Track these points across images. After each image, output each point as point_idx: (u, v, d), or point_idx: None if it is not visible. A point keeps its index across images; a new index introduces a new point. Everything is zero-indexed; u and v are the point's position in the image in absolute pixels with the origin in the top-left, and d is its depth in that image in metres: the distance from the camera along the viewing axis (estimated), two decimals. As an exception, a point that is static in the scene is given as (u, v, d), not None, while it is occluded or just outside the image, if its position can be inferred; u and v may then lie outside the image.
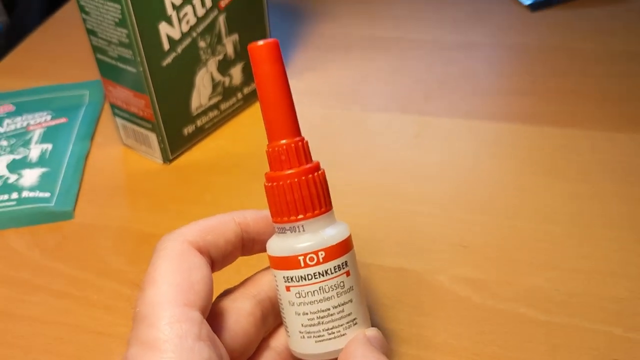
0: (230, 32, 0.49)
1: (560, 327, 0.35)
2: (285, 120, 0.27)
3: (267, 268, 0.30)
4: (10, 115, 0.55)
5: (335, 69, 0.60)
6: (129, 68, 0.44)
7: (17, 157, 0.50)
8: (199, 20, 0.46)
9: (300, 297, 0.26)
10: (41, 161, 0.49)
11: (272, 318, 0.29)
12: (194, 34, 0.46)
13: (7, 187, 0.47)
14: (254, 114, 0.54)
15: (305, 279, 0.26)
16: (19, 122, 0.54)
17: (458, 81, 0.57)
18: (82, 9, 0.43)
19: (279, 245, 0.27)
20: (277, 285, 0.27)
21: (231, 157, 0.50)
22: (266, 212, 0.28)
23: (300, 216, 0.26)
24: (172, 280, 0.24)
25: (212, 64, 0.49)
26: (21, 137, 0.52)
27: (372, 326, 0.27)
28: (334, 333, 0.26)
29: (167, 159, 0.49)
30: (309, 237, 0.26)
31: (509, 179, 0.46)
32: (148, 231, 0.43)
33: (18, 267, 0.41)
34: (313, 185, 0.26)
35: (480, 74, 0.58)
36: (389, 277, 0.39)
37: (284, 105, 0.27)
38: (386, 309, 0.37)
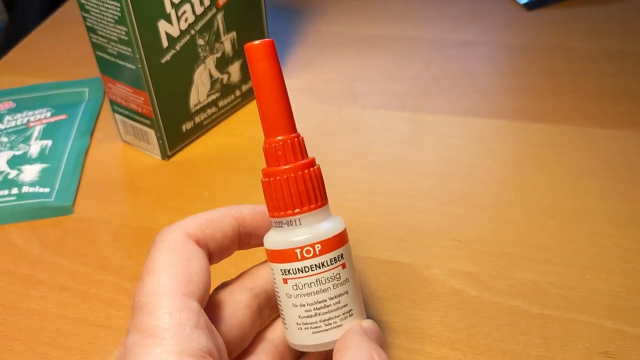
0: (228, 30, 0.50)
1: (553, 320, 0.36)
2: (281, 117, 0.27)
3: (264, 262, 0.30)
4: (10, 111, 0.55)
5: (333, 66, 0.60)
6: (129, 65, 0.44)
7: (18, 153, 0.50)
8: (198, 18, 0.46)
9: (297, 289, 0.27)
10: (41, 157, 0.49)
11: (268, 311, 0.30)
12: (193, 32, 0.46)
13: (8, 183, 0.47)
14: (252, 111, 0.55)
15: (302, 271, 0.26)
16: (19, 118, 0.54)
17: (455, 79, 0.57)
18: (82, 7, 0.44)
19: (275, 238, 0.27)
20: (275, 278, 0.27)
21: (229, 154, 0.50)
22: (263, 207, 0.29)
23: (297, 210, 0.27)
24: (171, 271, 0.25)
25: (210, 62, 0.49)
26: (21, 134, 0.52)
27: (368, 318, 0.28)
28: (330, 324, 0.27)
29: (165, 155, 0.49)
30: (305, 231, 0.27)
31: (505, 175, 0.46)
32: (147, 226, 0.44)
33: (18, 261, 0.42)
34: (309, 180, 0.27)
35: (477, 72, 0.58)
36: (385, 270, 0.39)
37: (280, 102, 0.27)
38: (382, 302, 0.37)
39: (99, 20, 0.43)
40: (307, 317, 0.27)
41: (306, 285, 0.26)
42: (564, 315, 0.36)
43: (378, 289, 0.38)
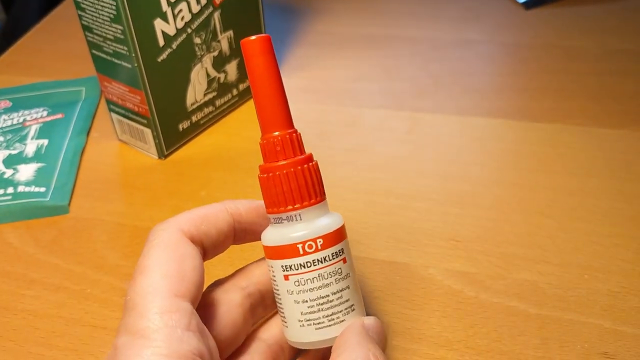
0: (225, 28, 0.49)
1: (552, 321, 0.35)
2: (278, 112, 0.27)
3: (259, 260, 0.30)
4: (7, 111, 0.55)
5: (330, 66, 0.60)
6: (125, 64, 0.44)
7: (13, 152, 0.50)
8: (194, 16, 0.46)
9: (299, 285, 0.26)
10: (37, 156, 0.49)
11: (261, 310, 0.30)
12: (189, 30, 0.46)
13: (3, 182, 0.47)
14: (249, 110, 0.55)
15: (304, 267, 0.26)
16: (16, 117, 0.54)
17: (453, 78, 0.57)
18: (77, 5, 0.44)
19: (275, 235, 0.27)
20: (274, 276, 0.27)
21: (226, 153, 0.50)
22: (258, 202, 0.29)
23: (297, 205, 0.26)
24: (164, 270, 0.24)
25: (207, 60, 0.49)
26: (17, 133, 0.52)
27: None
28: (333, 319, 0.26)
29: (162, 155, 0.49)
30: (306, 226, 0.26)
31: (502, 174, 0.46)
32: (143, 226, 0.43)
33: (13, 261, 0.41)
34: (309, 175, 0.27)
35: (475, 71, 0.58)
36: (382, 270, 0.39)
37: (277, 97, 0.27)
38: (379, 302, 0.37)
39: (94, 18, 0.43)
40: (310, 313, 0.26)
41: (308, 281, 0.26)
42: (563, 315, 0.36)
43: (375, 289, 0.38)
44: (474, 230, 0.41)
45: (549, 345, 0.34)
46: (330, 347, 0.26)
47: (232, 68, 0.52)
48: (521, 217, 0.42)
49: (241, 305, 0.28)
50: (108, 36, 0.43)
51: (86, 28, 0.45)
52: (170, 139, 0.49)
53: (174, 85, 0.47)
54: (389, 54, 0.61)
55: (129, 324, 0.23)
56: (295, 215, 0.27)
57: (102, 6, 0.42)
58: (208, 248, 0.27)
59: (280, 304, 0.27)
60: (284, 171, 0.26)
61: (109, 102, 0.49)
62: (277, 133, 0.27)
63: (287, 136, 0.27)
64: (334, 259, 0.26)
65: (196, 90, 0.49)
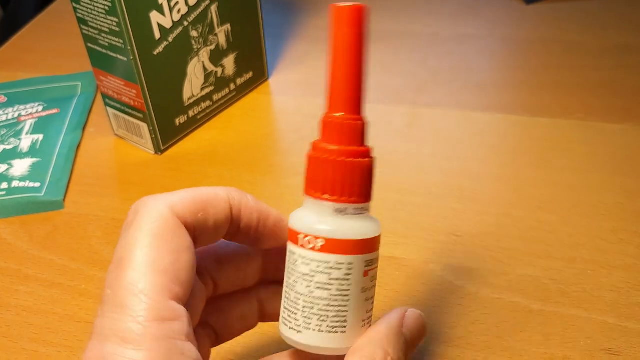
0: (222, 21, 0.49)
1: (554, 317, 0.35)
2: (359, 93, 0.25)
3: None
4: (2, 106, 0.54)
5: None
6: (120, 57, 0.44)
7: (8, 147, 0.49)
8: (191, 9, 0.45)
9: (373, 280, 0.25)
10: (32, 151, 0.49)
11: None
12: (186, 23, 0.46)
13: (-3, 178, 0.46)
14: (247, 105, 0.54)
15: (376, 262, 0.25)
16: (11, 112, 0.53)
17: (452, 73, 0.57)
18: (72, -3, 0.43)
19: (354, 227, 0.24)
20: (348, 274, 0.24)
21: (224, 148, 0.49)
22: (265, 206, 0.26)
23: (369, 199, 0.25)
24: (157, 265, 0.21)
25: (204, 54, 0.48)
26: (12, 128, 0.51)
27: (370, 311, 0.26)
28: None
29: (158, 150, 0.48)
30: (373, 220, 0.25)
31: (503, 169, 0.46)
32: (139, 221, 0.43)
33: (7, 257, 0.41)
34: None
35: (475, 66, 0.58)
36: (382, 266, 0.38)
37: (357, 77, 0.24)
38: (378, 298, 0.36)
39: (89, 11, 0.43)
40: (371, 310, 0.25)
41: (375, 276, 0.25)
42: (566, 311, 0.35)
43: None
44: (474, 225, 0.41)
45: (551, 341, 0.34)
46: None
47: (229, 62, 0.51)
48: (522, 212, 0.42)
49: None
50: (103, 29, 0.43)
51: (81, 21, 0.44)
52: (167, 133, 0.48)
53: (170, 79, 0.47)
54: (388, 49, 0.61)
55: (119, 328, 0.20)
56: (366, 209, 0.25)
57: (97, -2, 0.41)
58: (197, 240, 0.23)
59: (346, 308, 0.24)
60: (367, 160, 0.24)
61: (104, 96, 0.48)
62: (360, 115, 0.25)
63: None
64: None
65: (193, 84, 0.48)
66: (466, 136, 0.49)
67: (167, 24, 0.44)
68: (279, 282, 0.26)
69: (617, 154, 0.46)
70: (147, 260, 0.21)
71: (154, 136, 0.47)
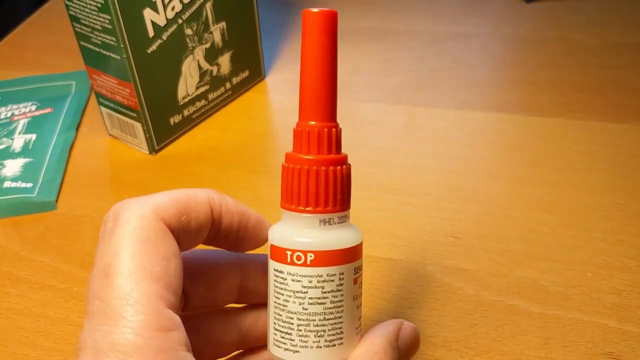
0: (217, 19, 0.48)
1: (554, 320, 0.34)
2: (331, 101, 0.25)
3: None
4: (-6, 105, 0.54)
5: (327, 59, 0.59)
6: (113, 55, 0.43)
7: (0, 147, 0.48)
8: (185, 6, 0.45)
9: (361, 286, 0.24)
10: (24, 151, 0.48)
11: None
12: (180, 21, 0.45)
13: (-11, 178, 0.45)
14: (243, 104, 0.53)
15: (361, 268, 0.25)
16: (4, 112, 0.53)
17: (451, 72, 0.56)
18: (65, -6, 0.42)
19: (341, 237, 0.24)
20: (339, 285, 0.23)
21: (219, 148, 0.49)
22: (244, 207, 0.25)
23: (348, 208, 0.25)
24: (149, 273, 0.20)
25: (199, 52, 0.48)
26: (5, 127, 0.51)
27: (360, 318, 0.26)
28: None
29: (153, 150, 0.48)
30: (354, 226, 0.25)
31: (502, 169, 0.45)
32: (132, 222, 0.42)
33: (-2, 259, 0.40)
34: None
35: (473, 64, 0.57)
36: (379, 267, 0.38)
37: (329, 84, 0.25)
38: (375, 301, 0.36)
39: (82, 8, 0.42)
40: (361, 316, 0.25)
41: (362, 282, 0.25)
42: (566, 314, 0.35)
43: (371, 287, 0.37)
44: (473, 226, 0.40)
45: (551, 345, 0.33)
46: None
47: (225, 61, 0.50)
48: (522, 213, 0.41)
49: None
50: (96, 27, 0.42)
51: (74, 18, 0.43)
52: (161, 133, 0.48)
53: (164, 77, 0.46)
54: (387, 48, 0.60)
55: (116, 341, 0.19)
56: (346, 216, 0.24)
57: (90, -5, 0.41)
58: (180, 244, 0.22)
59: (342, 314, 0.24)
60: (339, 168, 0.24)
61: (98, 95, 0.48)
62: (332, 123, 0.24)
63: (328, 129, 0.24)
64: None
65: (187, 83, 0.48)
66: (465, 136, 0.48)
67: (161, 21, 0.44)
68: (258, 306, 0.26)
69: (618, 154, 0.46)
70: (138, 267, 0.20)
71: (148, 136, 0.47)
